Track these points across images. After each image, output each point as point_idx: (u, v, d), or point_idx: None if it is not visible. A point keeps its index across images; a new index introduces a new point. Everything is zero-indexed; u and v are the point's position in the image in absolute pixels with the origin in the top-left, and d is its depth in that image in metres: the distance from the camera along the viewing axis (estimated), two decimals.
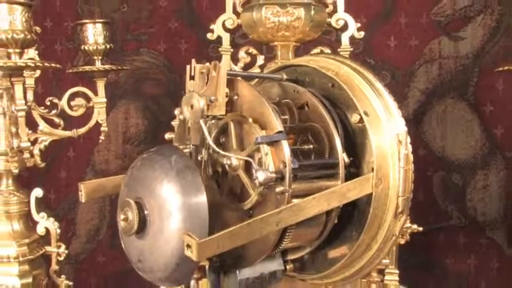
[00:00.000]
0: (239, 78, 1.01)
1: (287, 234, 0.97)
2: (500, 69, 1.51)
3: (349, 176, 1.00)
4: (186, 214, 0.92)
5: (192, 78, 0.99)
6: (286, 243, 0.99)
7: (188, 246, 0.83)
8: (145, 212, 0.95)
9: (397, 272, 1.57)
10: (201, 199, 0.93)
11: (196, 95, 0.96)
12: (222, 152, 0.97)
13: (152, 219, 0.95)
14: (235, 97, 1.00)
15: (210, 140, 0.96)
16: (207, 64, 0.98)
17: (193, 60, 0.99)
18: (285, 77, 1.09)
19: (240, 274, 1.00)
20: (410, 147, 1.02)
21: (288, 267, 1.08)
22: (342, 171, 0.98)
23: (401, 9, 2.17)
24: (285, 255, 1.07)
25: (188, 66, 0.99)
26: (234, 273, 1.01)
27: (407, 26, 2.17)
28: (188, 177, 0.93)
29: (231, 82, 0.99)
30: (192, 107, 0.96)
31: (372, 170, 0.99)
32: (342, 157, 0.98)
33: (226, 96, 0.98)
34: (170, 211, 0.92)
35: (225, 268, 1.02)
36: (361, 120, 1.00)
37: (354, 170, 1.02)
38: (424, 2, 2.16)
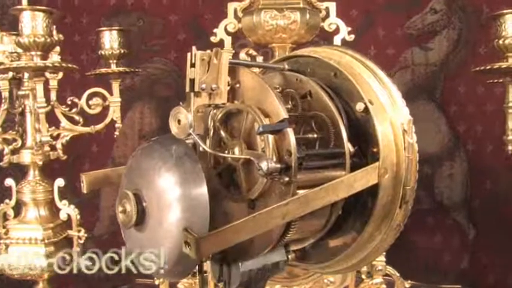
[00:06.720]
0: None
1: (292, 226, 0.71)
2: (475, 69, 1.31)
3: (353, 166, 0.73)
4: (185, 205, 0.66)
5: (192, 65, 0.71)
6: (290, 236, 0.73)
7: (186, 243, 0.58)
8: (144, 204, 0.69)
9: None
10: (202, 189, 0.67)
11: (183, 109, 0.70)
12: (216, 153, 0.73)
13: (151, 211, 0.69)
14: (237, 85, 0.74)
15: (205, 147, 0.71)
16: (208, 51, 0.72)
17: (193, 47, 0.72)
18: (286, 66, 0.83)
19: (243, 266, 0.74)
20: (415, 136, 0.77)
21: (289, 256, 0.81)
22: (348, 160, 0.72)
23: (380, 23, 1.95)
24: (287, 246, 0.80)
25: (189, 54, 0.72)
26: (236, 264, 0.75)
27: (385, 38, 1.96)
28: (187, 165, 0.68)
29: (232, 70, 0.73)
30: (179, 122, 0.71)
31: (377, 159, 0.73)
32: (348, 146, 0.73)
33: (228, 85, 0.72)
34: (169, 202, 0.67)
35: (227, 260, 0.75)
36: (365, 109, 0.74)
37: (357, 160, 0.75)
38: (398, 17, 1.95)
